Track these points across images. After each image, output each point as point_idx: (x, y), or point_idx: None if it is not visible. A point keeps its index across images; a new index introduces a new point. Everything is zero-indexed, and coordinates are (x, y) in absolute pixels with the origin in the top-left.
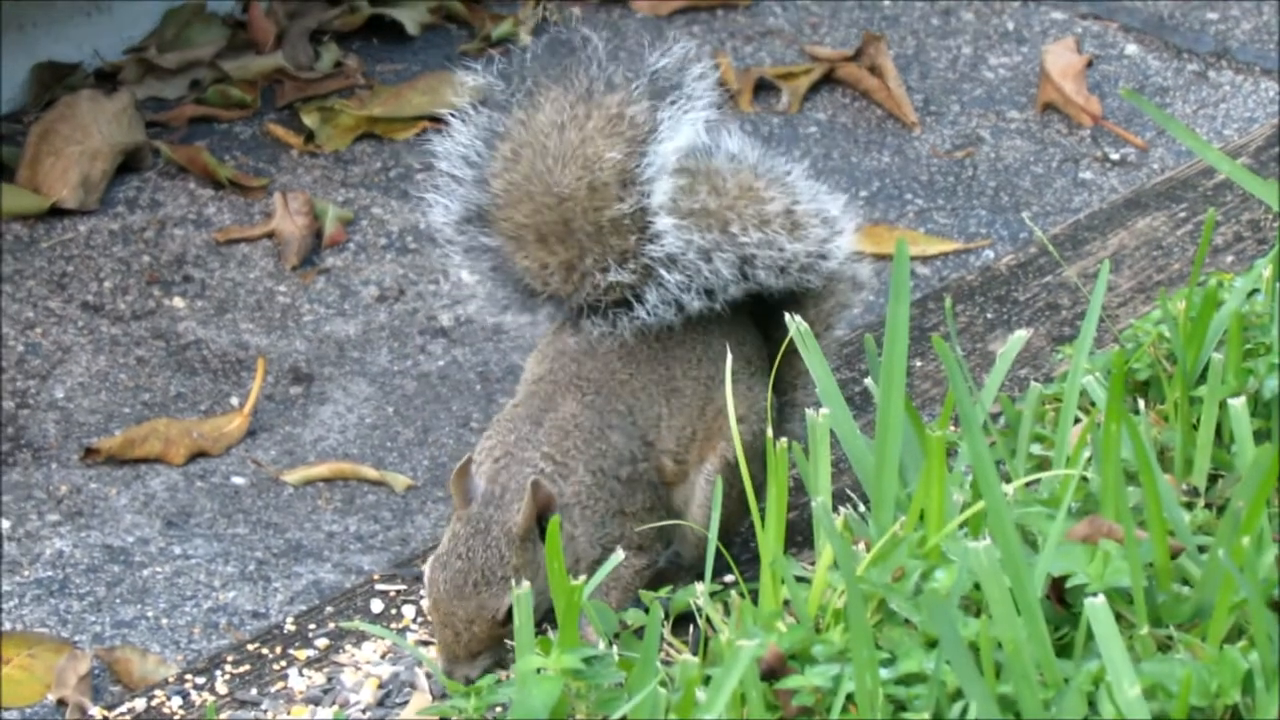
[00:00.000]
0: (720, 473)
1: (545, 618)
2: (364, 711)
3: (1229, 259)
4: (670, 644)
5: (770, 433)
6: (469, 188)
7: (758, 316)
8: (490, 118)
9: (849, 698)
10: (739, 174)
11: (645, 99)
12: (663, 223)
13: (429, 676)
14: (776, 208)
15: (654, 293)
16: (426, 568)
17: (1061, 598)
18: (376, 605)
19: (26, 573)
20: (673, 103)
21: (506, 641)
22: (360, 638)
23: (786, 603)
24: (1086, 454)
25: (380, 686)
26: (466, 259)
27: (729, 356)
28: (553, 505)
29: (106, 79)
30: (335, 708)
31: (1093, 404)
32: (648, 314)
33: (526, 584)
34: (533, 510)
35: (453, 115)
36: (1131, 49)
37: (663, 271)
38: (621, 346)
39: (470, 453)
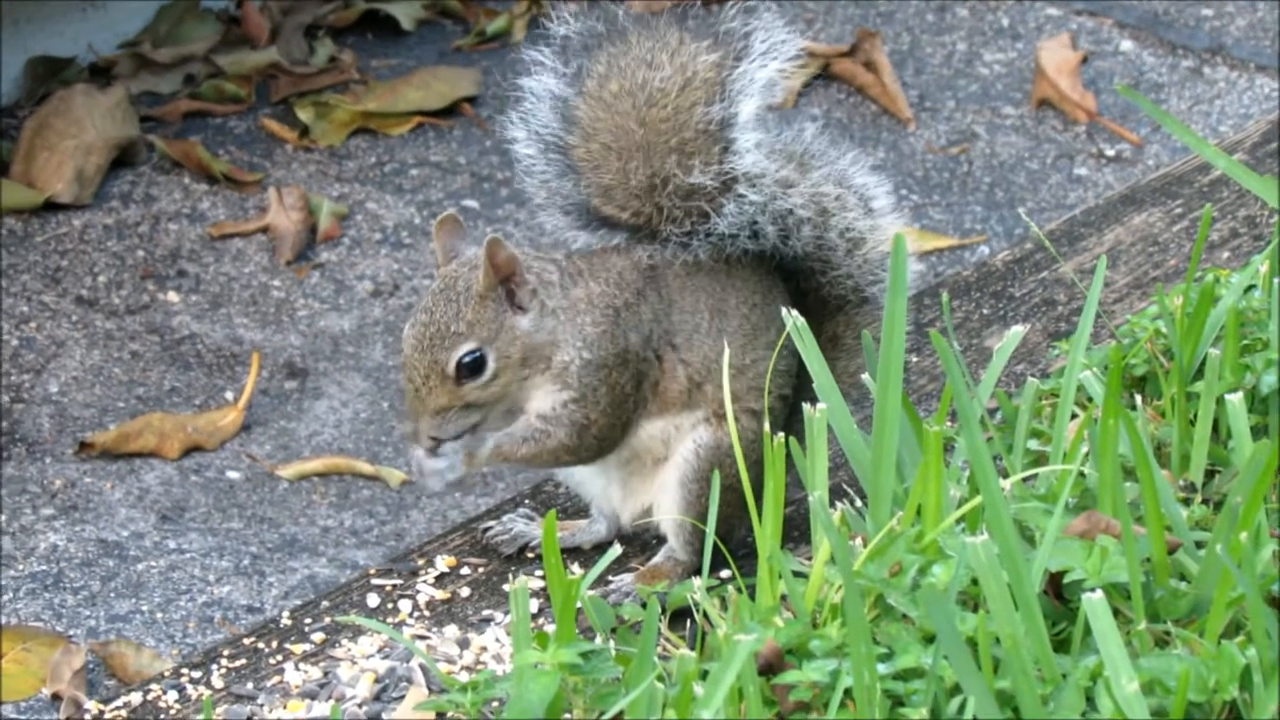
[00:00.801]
0: (711, 452)
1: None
2: (360, 706)
3: (1225, 255)
4: (667, 639)
5: (767, 426)
6: (552, 117)
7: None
8: (583, 49)
9: (847, 693)
10: (802, 151)
11: (725, 51)
12: (746, 139)
13: (425, 671)
14: (836, 183)
15: (733, 205)
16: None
17: (1059, 593)
18: (373, 600)
19: (21, 567)
20: (754, 59)
21: (470, 407)
22: (356, 632)
23: (784, 598)
24: (1084, 449)
25: (376, 681)
26: (544, 186)
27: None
28: (516, 268)
29: (101, 74)
30: (331, 702)
31: (1090, 399)
32: (725, 228)
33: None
34: (489, 267)
35: (535, 55)
36: (1126, 45)
37: (742, 188)
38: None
39: (454, 211)
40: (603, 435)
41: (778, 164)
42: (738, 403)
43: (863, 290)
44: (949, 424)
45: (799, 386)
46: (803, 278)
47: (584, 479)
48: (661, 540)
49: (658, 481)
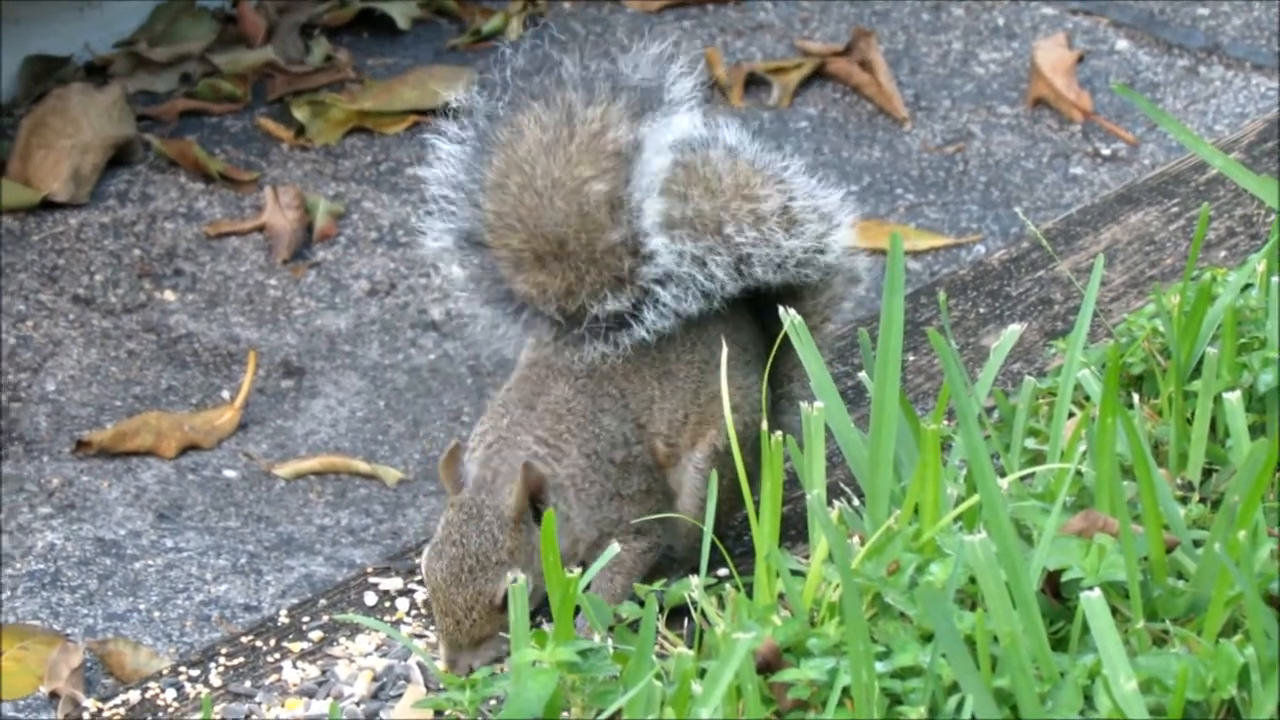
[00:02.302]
0: (711, 460)
1: (544, 604)
2: (358, 704)
3: (1221, 254)
4: (665, 637)
5: (765, 424)
6: (461, 209)
7: (755, 309)
8: (476, 134)
9: (845, 691)
10: (735, 169)
11: (625, 118)
12: (655, 242)
13: (423, 669)
14: (772, 205)
15: (652, 311)
16: (423, 557)
17: (1057, 591)
18: (370, 598)
19: (18, 565)
20: (654, 116)
21: (506, 627)
22: (354, 630)
23: (781, 596)
24: (1081, 448)
25: (375, 679)
26: (464, 280)
27: (724, 343)
28: (545, 487)
29: (97, 73)
30: (330, 700)
31: (1087, 398)
32: (647, 331)
33: (521, 575)
34: (524, 492)
35: (438, 137)
36: (1122, 44)
37: (659, 289)
38: None
39: (458, 439)
40: (648, 506)
41: (693, 239)
42: (710, 436)
43: (846, 299)
44: (946, 423)
45: (778, 399)
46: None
47: None
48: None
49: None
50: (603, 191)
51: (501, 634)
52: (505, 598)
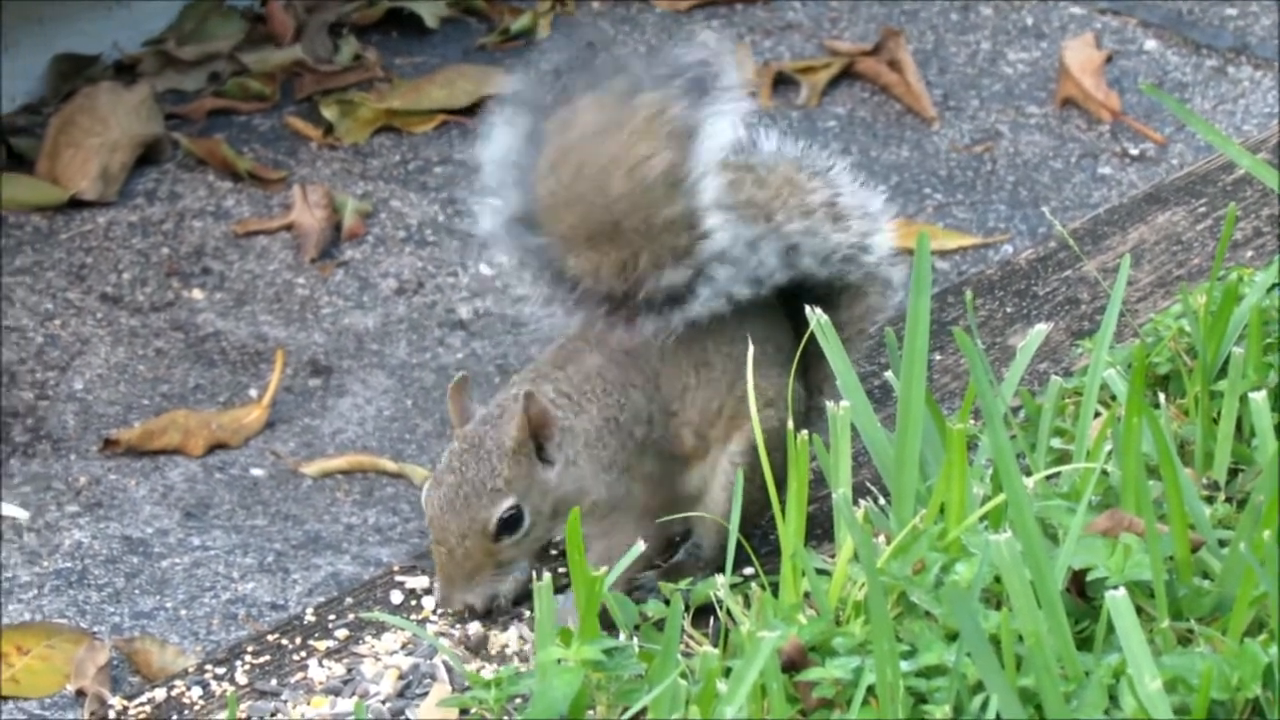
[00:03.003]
0: (746, 455)
1: (541, 550)
2: (384, 702)
3: (1249, 254)
4: (691, 636)
5: (790, 423)
6: (512, 192)
7: (793, 315)
8: (529, 120)
9: (870, 690)
10: (781, 167)
11: (683, 101)
12: (714, 219)
13: (449, 668)
14: (819, 198)
15: (706, 287)
16: (423, 489)
17: (1082, 591)
18: (396, 596)
19: (46, 564)
20: (712, 99)
21: (503, 565)
22: (380, 629)
23: (807, 595)
24: (1107, 448)
25: (400, 677)
26: (516, 262)
27: (757, 342)
28: (549, 423)
29: (126, 71)
30: (355, 699)
31: (1113, 398)
32: (700, 308)
33: (518, 503)
34: (524, 422)
35: (490, 120)
36: (1150, 44)
37: (714, 266)
38: None
39: (466, 372)
40: (654, 511)
41: (747, 223)
42: (744, 432)
43: (883, 310)
44: (973, 422)
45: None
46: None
47: None
48: (685, 537)
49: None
50: (663, 167)
51: (497, 572)
52: (499, 526)
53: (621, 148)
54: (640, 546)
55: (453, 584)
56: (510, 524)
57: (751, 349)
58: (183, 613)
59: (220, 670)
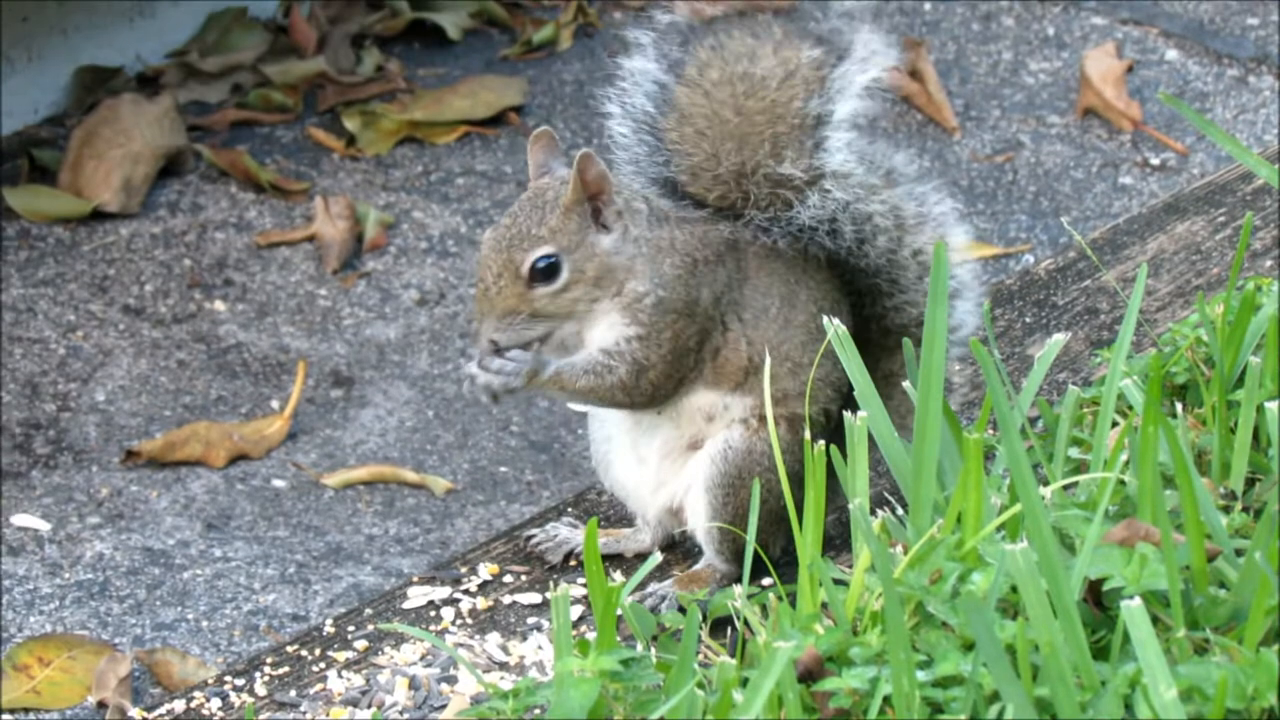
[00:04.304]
0: (740, 457)
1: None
2: (402, 713)
3: (1268, 263)
4: (708, 646)
5: (808, 434)
6: (648, 100)
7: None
8: (685, 39)
9: (886, 700)
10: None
11: (841, 24)
12: (838, 138)
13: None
14: (930, 206)
15: (816, 198)
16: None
17: (1098, 600)
18: (415, 607)
19: (67, 575)
20: (858, 48)
21: (536, 316)
22: (399, 639)
23: (824, 605)
24: (1124, 457)
25: (419, 688)
26: (633, 163)
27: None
28: (605, 186)
29: (148, 83)
30: (373, 709)
31: (1130, 407)
32: (806, 220)
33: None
34: (579, 182)
35: (649, 31)
36: (1172, 54)
37: (828, 183)
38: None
39: (548, 127)
40: (658, 383)
41: (865, 168)
42: (783, 404)
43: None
44: (990, 432)
45: (844, 405)
46: (870, 300)
47: (622, 473)
48: (703, 549)
49: (685, 476)
50: (814, 57)
51: (528, 322)
52: (532, 271)
53: (776, 45)
54: (657, 556)
55: (484, 319)
56: (547, 273)
57: (833, 329)
58: (204, 624)
59: (240, 681)
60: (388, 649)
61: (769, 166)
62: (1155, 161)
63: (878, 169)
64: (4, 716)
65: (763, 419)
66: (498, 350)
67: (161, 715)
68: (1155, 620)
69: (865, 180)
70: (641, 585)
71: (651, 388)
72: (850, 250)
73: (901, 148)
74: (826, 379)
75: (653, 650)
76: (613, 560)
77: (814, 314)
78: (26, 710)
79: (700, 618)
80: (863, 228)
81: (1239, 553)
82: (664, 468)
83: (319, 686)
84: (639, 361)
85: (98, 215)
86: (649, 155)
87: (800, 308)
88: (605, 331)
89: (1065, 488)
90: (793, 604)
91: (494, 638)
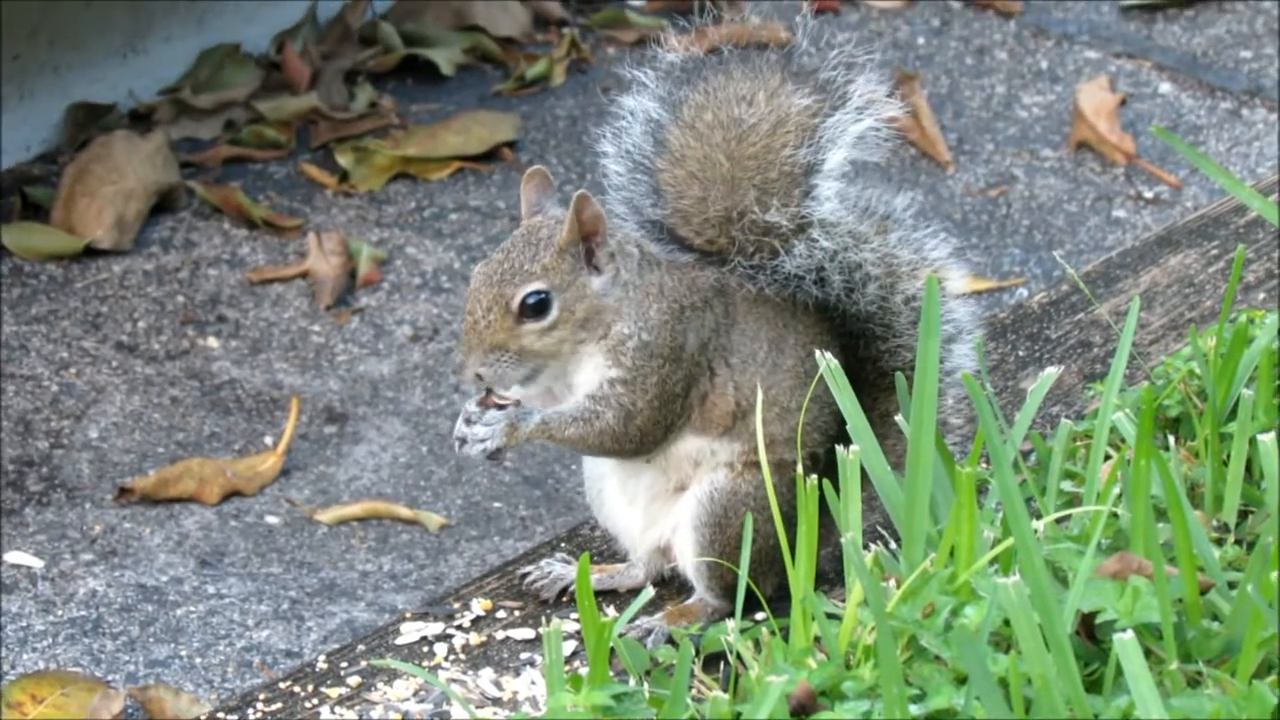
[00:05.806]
0: (725, 498)
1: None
2: None
3: (1260, 296)
4: (701, 681)
5: (800, 469)
6: (644, 139)
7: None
8: (684, 79)
9: None
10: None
11: (837, 74)
12: (828, 187)
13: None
14: (927, 252)
15: (803, 247)
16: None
17: (1091, 633)
18: (408, 643)
19: (60, 612)
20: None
21: (523, 353)
22: (392, 675)
23: (817, 639)
24: (1116, 490)
25: None
26: (626, 202)
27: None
28: (601, 230)
29: (141, 120)
30: None
31: (1123, 440)
32: (792, 269)
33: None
34: (576, 223)
35: (649, 70)
36: (1165, 88)
37: (815, 232)
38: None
39: (542, 167)
40: (646, 429)
41: (855, 217)
42: (770, 449)
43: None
44: (982, 466)
45: (831, 450)
46: (864, 343)
47: (613, 511)
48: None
49: (673, 517)
50: (805, 106)
51: (515, 357)
52: (522, 306)
53: (770, 95)
54: (649, 592)
55: (470, 353)
56: (536, 309)
57: (825, 363)
58: (198, 660)
59: (233, 718)
60: (381, 685)
61: (755, 213)
62: (1148, 195)
63: (872, 215)
64: None
65: (748, 464)
66: (480, 381)
67: None
68: (1148, 653)
69: (855, 229)
70: (633, 619)
71: (640, 434)
72: (839, 298)
73: (897, 187)
74: (814, 423)
75: (645, 685)
76: (606, 595)
77: (802, 358)
78: None
79: (693, 652)
80: (851, 276)
81: (1232, 585)
82: (652, 509)
83: None
84: (625, 407)
85: (90, 252)
86: (642, 196)
87: (788, 352)
88: (590, 374)
89: (1058, 521)
90: (786, 638)
91: (487, 673)
